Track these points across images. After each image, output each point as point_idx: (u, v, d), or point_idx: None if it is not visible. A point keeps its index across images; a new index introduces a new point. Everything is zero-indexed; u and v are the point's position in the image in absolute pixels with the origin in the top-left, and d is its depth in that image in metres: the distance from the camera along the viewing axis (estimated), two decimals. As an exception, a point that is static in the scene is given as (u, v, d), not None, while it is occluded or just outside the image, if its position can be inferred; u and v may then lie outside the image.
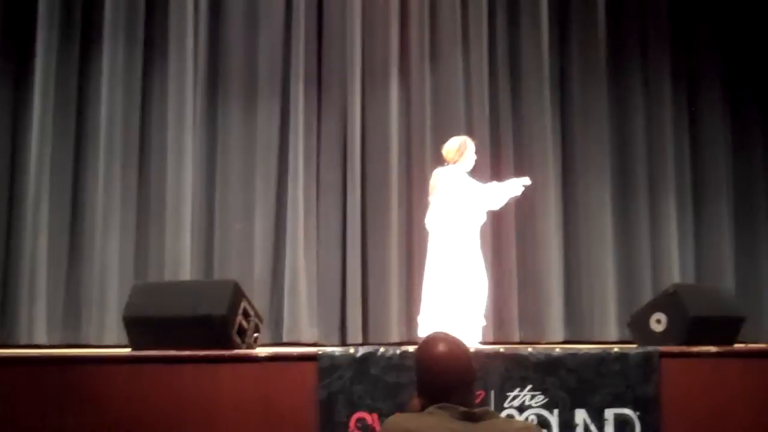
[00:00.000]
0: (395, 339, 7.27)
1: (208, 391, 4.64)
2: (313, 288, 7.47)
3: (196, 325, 4.96)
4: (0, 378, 4.64)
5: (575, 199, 7.86)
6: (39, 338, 7.07)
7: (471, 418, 2.45)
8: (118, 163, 7.38)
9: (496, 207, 6.21)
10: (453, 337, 2.66)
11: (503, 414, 4.62)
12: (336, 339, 7.33)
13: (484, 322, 6.03)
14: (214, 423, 4.60)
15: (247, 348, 5.15)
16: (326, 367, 4.68)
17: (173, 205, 7.37)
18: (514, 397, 4.74)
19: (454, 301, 5.88)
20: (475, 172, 6.30)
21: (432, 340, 2.66)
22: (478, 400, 4.49)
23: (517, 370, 4.77)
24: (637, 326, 5.78)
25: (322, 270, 7.51)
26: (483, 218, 6.15)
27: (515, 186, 6.09)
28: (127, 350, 5.14)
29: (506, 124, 7.83)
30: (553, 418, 4.75)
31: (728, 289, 7.37)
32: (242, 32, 7.70)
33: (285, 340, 7.24)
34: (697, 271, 7.84)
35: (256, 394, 4.66)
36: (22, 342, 7.00)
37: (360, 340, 7.26)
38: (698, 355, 5.08)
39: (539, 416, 4.74)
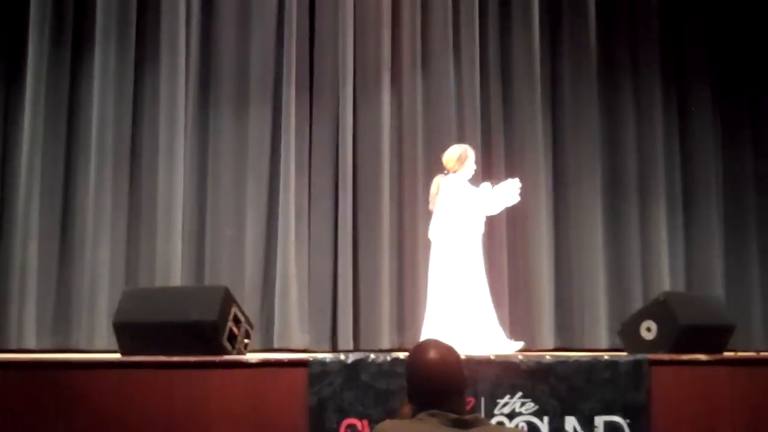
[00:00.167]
0: (386, 345, 7.27)
1: (198, 397, 4.62)
2: (304, 294, 7.46)
3: (186, 331, 4.95)
4: (-11, 383, 4.63)
5: (566, 205, 7.87)
6: (29, 343, 7.04)
7: (461, 425, 2.45)
8: (109, 167, 7.36)
9: (493, 212, 6.20)
10: (444, 344, 2.66)
11: (493, 421, 4.62)
12: (327, 345, 7.32)
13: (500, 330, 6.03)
14: (204, 429, 4.59)
15: (238, 354, 5.14)
16: (317, 373, 4.67)
17: (164, 210, 7.35)
18: (505, 404, 4.74)
19: (461, 311, 5.88)
20: (471, 182, 6.31)
21: (423, 346, 2.66)
22: (468, 407, 4.49)
23: (508, 377, 4.77)
24: (627, 334, 5.79)
25: (314, 275, 7.51)
26: (482, 227, 6.15)
27: (509, 190, 6.08)
28: (117, 356, 5.13)
29: (497, 129, 7.84)
30: (544, 426, 4.75)
31: (718, 298, 7.39)
32: (234, 36, 7.69)
33: (276, 345, 7.23)
34: (687, 279, 7.87)
35: (247, 400, 4.64)
36: (12, 346, 6.97)
37: (351, 346, 7.25)
38: (688, 363, 5.09)
39: (529, 423, 4.74)
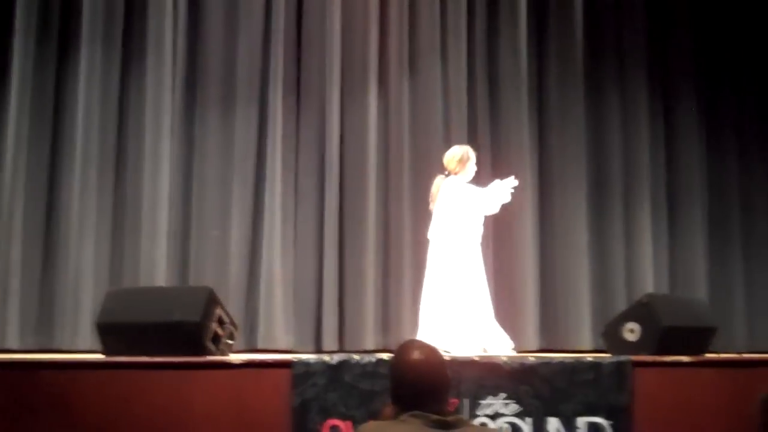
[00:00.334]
0: (371, 346, 7.27)
1: (181, 398, 4.62)
2: (289, 295, 7.45)
3: (169, 332, 4.94)
4: (-29, 383, 4.61)
5: (551, 206, 7.89)
6: (11, 343, 7.00)
7: (444, 426, 2.46)
8: (94, 169, 7.33)
9: (493, 211, 6.21)
10: (428, 345, 2.67)
11: (476, 422, 4.64)
12: (311, 346, 7.31)
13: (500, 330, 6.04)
14: (187, 430, 4.58)
15: (221, 355, 5.13)
16: (300, 373, 4.68)
17: (149, 210, 7.33)
18: (488, 405, 4.75)
19: (458, 311, 5.88)
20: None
21: (407, 347, 2.66)
22: (451, 408, 4.49)
23: (491, 378, 4.79)
24: (610, 335, 5.82)
25: (299, 277, 7.50)
26: (482, 228, 6.15)
27: (504, 189, 6.09)
28: (100, 356, 5.11)
29: (484, 130, 7.85)
30: (526, 427, 4.77)
31: (701, 300, 7.43)
32: (221, 38, 7.68)
33: (260, 346, 7.21)
34: (670, 281, 7.90)
35: (230, 400, 4.64)
36: (-5, 346, 6.94)
37: (335, 347, 7.25)
38: (670, 364, 5.12)
39: (512, 424, 4.76)
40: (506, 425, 4.73)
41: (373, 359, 4.75)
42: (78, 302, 7.15)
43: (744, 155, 8.14)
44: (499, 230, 7.63)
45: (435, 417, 2.46)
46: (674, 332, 5.49)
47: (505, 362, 4.89)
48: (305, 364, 4.73)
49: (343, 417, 4.65)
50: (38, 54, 7.39)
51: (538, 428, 4.77)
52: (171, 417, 4.58)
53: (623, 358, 5.06)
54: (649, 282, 7.75)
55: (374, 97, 7.72)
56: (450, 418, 2.49)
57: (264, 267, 7.39)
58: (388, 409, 2.61)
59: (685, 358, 5.16)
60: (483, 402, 4.76)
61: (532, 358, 5.03)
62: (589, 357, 5.12)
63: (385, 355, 4.74)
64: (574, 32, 8.06)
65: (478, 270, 6.03)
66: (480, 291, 6.00)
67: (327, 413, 4.65)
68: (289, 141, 7.61)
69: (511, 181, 6.07)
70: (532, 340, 7.55)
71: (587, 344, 7.49)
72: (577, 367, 4.92)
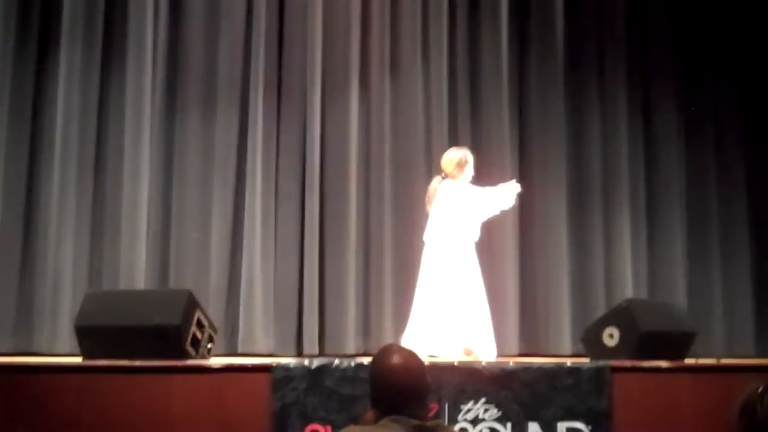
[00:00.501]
0: (352, 350, 7.26)
1: (160, 402, 4.60)
2: (269, 298, 7.43)
3: (149, 335, 4.92)
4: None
5: (531, 210, 7.90)
6: (-12, 345, 6.96)
7: (423, 430, 2.45)
8: (73, 170, 7.29)
9: (491, 215, 6.22)
10: (407, 349, 2.67)
11: (456, 427, 4.65)
12: (292, 350, 7.29)
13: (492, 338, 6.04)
14: (166, 434, 4.57)
15: (201, 358, 5.11)
16: (280, 378, 4.67)
17: (129, 212, 7.29)
18: (468, 410, 4.76)
19: (450, 315, 5.88)
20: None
21: (386, 351, 2.66)
22: (431, 413, 4.50)
23: (471, 384, 4.79)
24: (590, 340, 5.83)
25: (279, 280, 7.48)
26: (479, 233, 6.15)
27: (508, 194, 6.09)
28: (78, 359, 5.08)
29: (464, 133, 7.85)
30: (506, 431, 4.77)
31: (680, 305, 7.47)
32: (202, 39, 7.65)
33: (240, 350, 7.18)
34: (649, 286, 7.92)
35: (210, 405, 4.63)
36: (-28, 349, 6.89)
37: (316, 351, 7.23)
38: (649, 369, 5.14)
39: (492, 429, 4.76)
40: (486, 430, 4.73)
41: (354, 364, 4.75)
42: (57, 305, 7.10)
43: (723, 159, 8.18)
44: (480, 235, 7.63)
45: (415, 422, 2.46)
46: (653, 337, 5.51)
47: (485, 367, 4.90)
48: (285, 368, 4.72)
49: (324, 422, 4.64)
50: (17, 55, 7.34)
51: (518, 433, 4.78)
52: (150, 421, 4.56)
53: (602, 363, 5.07)
54: (629, 287, 7.77)
55: (355, 99, 7.72)
56: (429, 423, 2.49)
57: (244, 270, 7.37)
58: (369, 414, 2.60)
59: (664, 364, 5.18)
60: (463, 407, 4.77)
61: (513, 363, 5.04)
62: (569, 362, 5.13)
63: (366, 360, 4.73)
64: (554, 34, 8.08)
65: (474, 274, 6.02)
66: (475, 295, 6.00)
67: (307, 418, 4.64)
68: (270, 143, 7.59)
69: (516, 186, 6.08)
70: (513, 344, 7.55)
71: (567, 349, 7.51)
72: (557, 372, 4.93)
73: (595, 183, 7.99)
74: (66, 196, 7.25)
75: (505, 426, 4.77)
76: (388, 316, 7.47)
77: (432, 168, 7.67)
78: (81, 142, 7.34)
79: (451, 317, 5.87)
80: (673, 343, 5.73)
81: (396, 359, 2.59)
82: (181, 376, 4.71)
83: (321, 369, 4.70)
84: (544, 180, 7.91)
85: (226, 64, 7.63)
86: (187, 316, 5.07)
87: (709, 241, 8.07)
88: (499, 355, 6.14)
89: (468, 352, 5.88)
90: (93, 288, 6.98)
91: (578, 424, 4.84)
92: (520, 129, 8.01)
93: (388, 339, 7.07)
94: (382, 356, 2.64)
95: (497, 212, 6.21)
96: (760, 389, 1.96)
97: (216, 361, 5.08)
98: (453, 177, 6.12)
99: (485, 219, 6.23)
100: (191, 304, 5.16)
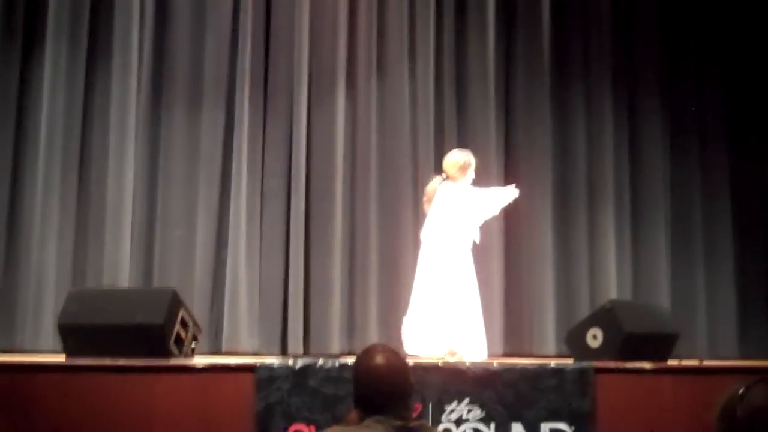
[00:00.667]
0: (336, 350, 7.26)
1: (143, 401, 4.58)
2: (254, 297, 7.42)
3: (132, 334, 4.90)
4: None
5: (516, 211, 7.90)
6: (-30, 344, 6.92)
7: (406, 431, 2.46)
8: (58, 168, 7.25)
9: (488, 218, 6.23)
10: (391, 349, 2.67)
11: (440, 428, 4.65)
12: (276, 349, 7.28)
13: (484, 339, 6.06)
14: (149, 433, 4.55)
15: (185, 357, 5.10)
16: (264, 378, 4.66)
17: (113, 211, 7.26)
18: (452, 411, 4.76)
19: (442, 316, 5.89)
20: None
21: (370, 351, 2.66)
22: (415, 414, 4.50)
23: (455, 384, 4.80)
24: (573, 341, 5.85)
25: (264, 279, 7.47)
26: (478, 235, 6.16)
27: (505, 198, 6.11)
28: (61, 358, 5.06)
29: (451, 134, 7.87)
30: (490, 432, 4.79)
31: (663, 306, 7.50)
32: (188, 37, 7.62)
33: (224, 349, 7.16)
34: (633, 287, 7.95)
35: (193, 404, 4.62)
36: (-46, 347, 6.85)
37: (301, 350, 7.22)
38: (633, 371, 5.16)
39: (476, 430, 4.77)
40: (470, 430, 4.74)
41: (338, 364, 4.75)
42: (40, 303, 7.06)
43: (707, 161, 8.23)
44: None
45: (398, 422, 2.46)
46: (637, 338, 5.53)
47: (469, 368, 4.91)
48: (269, 368, 4.71)
49: (307, 422, 4.64)
50: (2, 53, 7.30)
51: (501, 433, 4.79)
52: (133, 420, 4.55)
53: (586, 364, 5.09)
54: (613, 288, 7.80)
55: (342, 99, 7.71)
56: (413, 424, 2.49)
57: (229, 269, 7.35)
58: (353, 414, 2.60)
59: (647, 365, 5.20)
60: (447, 407, 4.77)
61: (496, 364, 5.05)
62: (553, 363, 5.15)
63: (350, 360, 4.73)
64: (541, 35, 8.11)
65: (468, 275, 6.03)
66: (466, 296, 6.00)
67: (291, 418, 4.64)
68: (256, 142, 7.58)
69: (514, 192, 6.10)
70: (497, 345, 7.56)
71: (551, 350, 7.53)
72: (541, 373, 4.94)
73: (580, 184, 8.01)
74: (50, 195, 7.22)
75: (488, 426, 4.78)
76: (373, 316, 7.47)
77: (418, 168, 7.72)
78: (66, 141, 7.30)
79: (439, 318, 5.87)
80: (657, 344, 5.75)
81: (379, 359, 2.59)
82: (164, 376, 4.69)
83: (305, 369, 4.70)
84: (530, 180, 7.91)
85: (212, 63, 7.61)
86: (171, 314, 5.05)
87: (692, 243, 8.11)
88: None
89: (452, 354, 5.89)
90: (77, 286, 6.95)
91: (561, 425, 4.85)
92: (506, 129, 8.03)
93: (372, 339, 7.08)
94: (365, 356, 2.64)
95: (494, 215, 6.23)
96: (740, 391, 1.97)
97: (200, 361, 5.07)
98: (454, 179, 6.13)
99: (483, 221, 6.25)
100: (175, 302, 5.14)
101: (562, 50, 8.18)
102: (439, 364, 5.05)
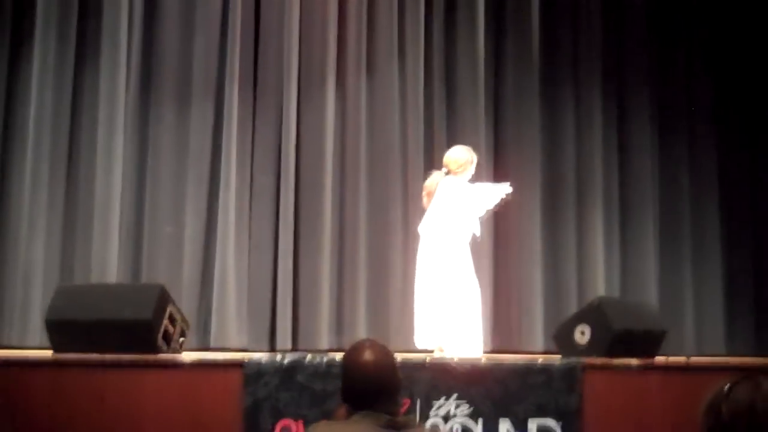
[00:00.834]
0: (325, 346, 7.25)
1: (131, 397, 4.58)
2: (243, 293, 7.41)
3: (120, 329, 4.89)
4: None
5: (505, 208, 7.92)
6: (-42, 339, 6.90)
7: (394, 426, 2.46)
8: (46, 165, 7.22)
9: (487, 210, 6.26)
10: (379, 345, 2.68)
11: (429, 422, 4.66)
12: (265, 345, 7.27)
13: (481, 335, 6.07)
14: (137, 429, 4.54)
15: (173, 353, 5.09)
16: (252, 373, 4.66)
17: (102, 207, 7.24)
18: (440, 406, 4.77)
19: (453, 310, 5.91)
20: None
21: (358, 347, 2.67)
22: (403, 409, 4.51)
23: (444, 380, 4.81)
24: (561, 338, 5.87)
25: (253, 275, 7.46)
26: (479, 230, 6.18)
27: (499, 194, 6.14)
28: (49, 353, 5.04)
29: (440, 132, 7.88)
30: (478, 428, 4.79)
31: (651, 304, 7.53)
32: (177, 33, 7.60)
33: (213, 345, 7.15)
34: (621, 284, 7.99)
35: (181, 400, 4.61)
36: (-60, 343, 6.82)
37: (289, 346, 7.22)
38: (620, 367, 5.18)
39: (464, 425, 4.78)
40: (458, 426, 4.75)
41: (326, 359, 4.75)
42: (28, 298, 7.04)
43: (695, 160, 8.26)
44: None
45: (386, 417, 2.47)
46: (624, 335, 5.54)
47: (457, 364, 4.92)
48: (257, 363, 4.71)
49: (295, 417, 4.64)
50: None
51: (489, 429, 4.80)
52: (121, 416, 4.54)
53: (574, 360, 5.11)
54: (601, 285, 7.83)
55: (332, 96, 7.71)
56: (401, 419, 2.50)
57: (218, 265, 7.34)
58: (342, 410, 2.61)
59: (634, 362, 5.22)
60: (435, 403, 4.78)
61: (485, 360, 5.06)
62: (541, 359, 5.17)
63: (338, 356, 4.73)
64: (530, 33, 8.12)
65: (465, 270, 6.05)
66: (462, 292, 6.02)
67: (279, 413, 4.64)
68: (245, 139, 7.56)
69: (508, 189, 6.13)
70: (485, 341, 7.57)
71: (539, 346, 7.55)
72: (529, 369, 4.95)
73: (568, 181, 8.03)
74: (38, 191, 7.19)
75: (476, 422, 4.79)
76: (362, 312, 7.48)
77: (407, 165, 7.73)
78: (54, 137, 7.27)
79: (440, 312, 5.92)
80: (644, 341, 5.77)
81: (367, 355, 2.60)
82: (152, 371, 4.69)
83: (293, 365, 4.70)
84: (519, 178, 7.89)
85: (201, 60, 7.59)
86: (159, 310, 5.04)
87: (680, 241, 8.14)
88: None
89: (441, 349, 5.92)
90: (64, 281, 6.93)
91: (549, 421, 4.86)
92: (496, 128, 8.05)
93: (361, 335, 7.10)
94: (353, 352, 2.65)
95: (489, 209, 6.26)
96: (725, 388, 1.98)
97: (188, 356, 5.07)
98: (456, 174, 6.16)
99: (481, 215, 6.28)
100: (163, 298, 5.14)
101: (551, 48, 8.19)
102: (428, 360, 5.05)
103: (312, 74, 7.72)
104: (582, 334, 5.65)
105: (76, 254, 7.25)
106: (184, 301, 6.82)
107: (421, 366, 4.88)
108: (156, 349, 4.92)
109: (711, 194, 8.23)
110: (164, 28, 7.59)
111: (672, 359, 6.02)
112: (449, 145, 7.69)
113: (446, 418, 4.78)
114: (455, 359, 5.06)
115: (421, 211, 6.98)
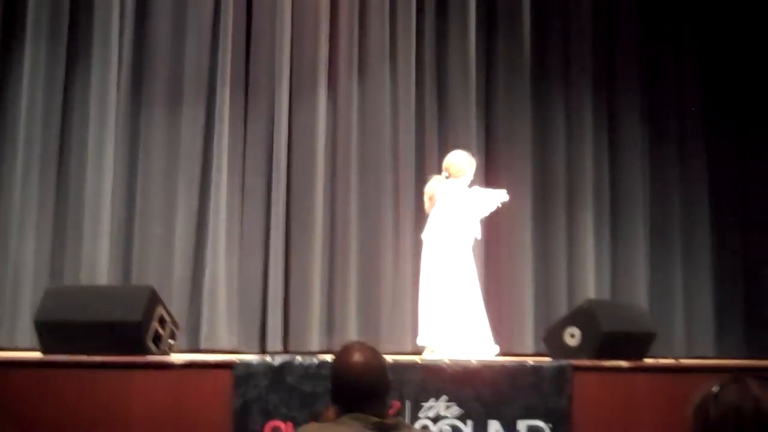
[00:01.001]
0: (316, 347, 7.25)
1: (121, 399, 4.57)
2: (233, 295, 7.40)
3: (110, 331, 4.88)
4: None
5: (496, 211, 7.92)
6: (-54, 340, 6.87)
7: (383, 428, 2.47)
8: (36, 165, 7.21)
9: (485, 214, 6.28)
10: (369, 347, 2.68)
11: (418, 424, 4.66)
12: (255, 346, 7.26)
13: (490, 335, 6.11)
14: (127, 430, 4.53)
15: (162, 355, 5.08)
16: (242, 375, 4.66)
17: (92, 208, 7.23)
18: (429, 408, 4.77)
19: (458, 313, 5.95)
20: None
21: (348, 348, 2.67)
22: (392, 411, 4.51)
23: (434, 381, 4.81)
24: (551, 340, 5.88)
25: (243, 276, 7.45)
26: (479, 232, 6.21)
27: (495, 199, 6.18)
28: (38, 354, 5.03)
29: (432, 134, 7.88)
30: (467, 429, 4.80)
31: (641, 306, 7.54)
32: (169, 34, 7.59)
33: (203, 347, 7.14)
34: (611, 287, 8.00)
35: (170, 401, 4.60)
36: (-71, 343, 6.80)
37: (280, 348, 7.21)
38: (610, 369, 5.19)
39: (453, 427, 4.78)
40: (447, 427, 4.75)
41: (316, 361, 4.75)
42: (17, 299, 7.02)
43: (685, 164, 8.28)
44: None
45: (374, 419, 2.47)
46: (614, 337, 5.56)
47: (448, 365, 4.92)
48: (247, 365, 4.71)
49: (285, 418, 4.64)
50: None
51: (479, 431, 4.81)
52: (110, 418, 4.53)
53: (564, 362, 5.12)
54: (591, 287, 7.84)
55: (323, 98, 7.70)
56: (389, 421, 2.50)
57: (208, 266, 7.33)
58: (330, 411, 2.61)
59: (624, 363, 5.23)
60: (425, 404, 4.78)
61: (475, 362, 5.07)
62: (531, 361, 5.17)
63: (328, 357, 4.74)
64: (521, 35, 8.13)
65: (469, 274, 6.09)
66: (470, 293, 6.06)
67: (268, 415, 4.64)
68: (236, 140, 7.56)
69: (504, 195, 6.16)
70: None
71: (529, 348, 7.55)
72: (519, 371, 4.96)
73: (559, 183, 8.04)
74: (28, 191, 7.17)
75: (466, 424, 4.80)
76: (353, 314, 7.48)
77: (399, 167, 7.73)
78: (44, 137, 7.26)
79: (448, 315, 5.96)
80: (634, 343, 5.78)
81: (357, 357, 2.60)
82: (141, 372, 4.68)
83: (283, 366, 4.70)
84: (510, 179, 7.92)
85: (192, 60, 7.58)
86: (149, 312, 5.04)
87: (670, 244, 8.16)
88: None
89: (432, 351, 5.95)
90: (54, 283, 6.92)
91: (539, 423, 4.87)
92: (487, 129, 8.05)
93: (352, 336, 7.10)
94: (343, 354, 2.65)
95: (489, 211, 6.31)
96: (714, 390, 1.99)
97: (177, 358, 5.05)
98: (456, 178, 6.20)
99: (481, 218, 6.32)
100: (153, 299, 5.13)
101: (542, 50, 8.21)
102: (418, 362, 5.06)
103: (303, 75, 7.72)
104: (572, 336, 5.66)
105: (66, 255, 7.24)
106: (175, 302, 6.81)
107: (411, 366, 4.89)
108: (146, 351, 4.91)
109: (701, 195, 8.25)
110: (155, 29, 7.58)
111: (661, 361, 6.04)
112: (441, 146, 7.75)
113: (435, 420, 4.78)
114: (446, 360, 5.06)
115: (413, 213, 7.02)
